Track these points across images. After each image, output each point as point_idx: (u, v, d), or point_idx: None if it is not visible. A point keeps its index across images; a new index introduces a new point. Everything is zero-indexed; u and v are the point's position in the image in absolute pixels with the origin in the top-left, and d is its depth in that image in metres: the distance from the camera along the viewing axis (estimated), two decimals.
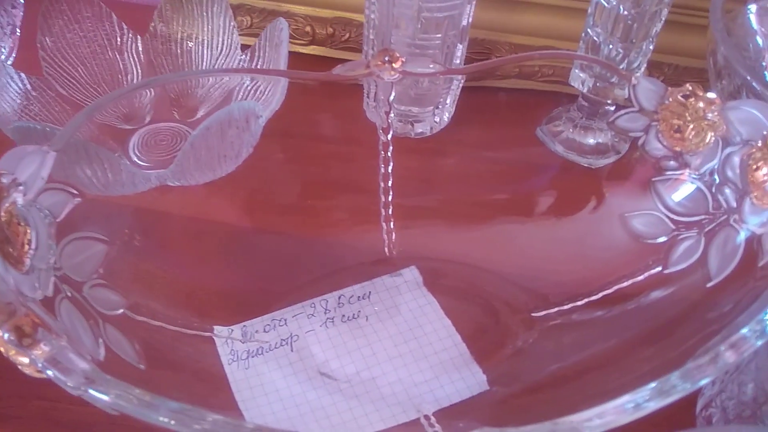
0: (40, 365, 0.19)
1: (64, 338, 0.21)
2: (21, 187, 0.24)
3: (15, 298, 0.21)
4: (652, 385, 0.19)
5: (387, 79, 0.31)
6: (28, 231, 0.24)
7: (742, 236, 0.28)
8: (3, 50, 0.41)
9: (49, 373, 0.19)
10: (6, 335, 0.19)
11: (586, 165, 0.40)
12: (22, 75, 0.38)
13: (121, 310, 0.27)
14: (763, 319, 0.21)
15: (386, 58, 0.31)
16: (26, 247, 0.23)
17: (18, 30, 0.42)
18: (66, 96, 0.40)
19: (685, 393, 0.19)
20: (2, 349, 0.20)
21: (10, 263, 0.22)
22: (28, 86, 0.38)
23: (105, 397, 0.19)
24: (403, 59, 0.31)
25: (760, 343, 0.20)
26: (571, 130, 0.41)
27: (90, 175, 0.30)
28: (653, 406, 0.19)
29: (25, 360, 0.20)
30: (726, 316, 0.25)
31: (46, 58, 0.40)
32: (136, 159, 0.39)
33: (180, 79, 0.40)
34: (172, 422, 0.18)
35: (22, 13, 0.42)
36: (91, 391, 0.19)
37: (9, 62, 0.41)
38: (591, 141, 0.40)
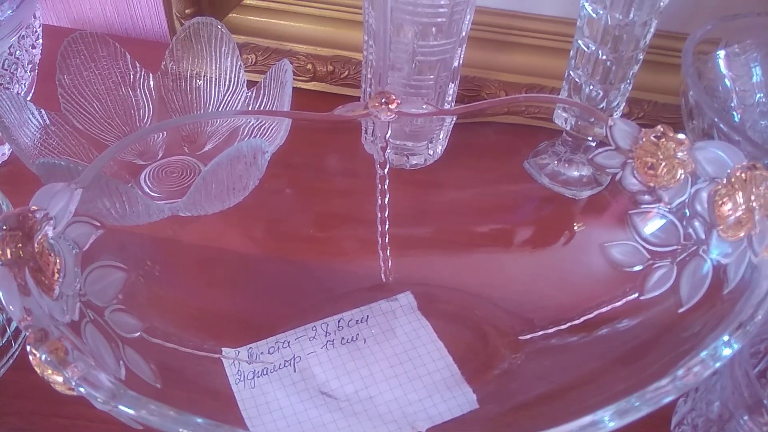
0: (73, 383, 0.21)
1: (91, 359, 0.23)
2: (51, 221, 0.26)
3: (48, 322, 0.23)
4: (612, 408, 0.21)
5: (384, 119, 0.34)
6: (58, 261, 0.26)
7: (710, 265, 0.30)
8: (23, 87, 0.43)
9: (82, 390, 0.21)
10: (44, 356, 0.21)
11: (570, 196, 0.42)
12: (42, 110, 0.41)
13: (138, 333, 0.29)
14: (718, 344, 0.23)
15: (383, 100, 0.34)
16: (56, 275, 0.26)
17: (37, 67, 0.44)
18: (82, 130, 0.42)
19: (647, 412, 0.21)
20: (39, 370, 0.22)
21: (43, 290, 0.24)
22: (47, 121, 0.41)
23: (131, 412, 0.21)
24: (399, 101, 0.34)
25: (717, 365, 0.23)
26: (556, 163, 0.43)
27: (108, 207, 0.32)
28: (615, 425, 0.21)
29: (60, 379, 0.22)
30: (695, 338, 0.27)
31: (64, 94, 0.42)
32: (147, 190, 0.41)
33: (194, 121, 0.43)
34: None
35: (40, 52, 0.45)
36: (120, 407, 0.21)
37: (28, 98, 0.44)
38: (575, 173, 0.43)
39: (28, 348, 0.22)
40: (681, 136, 0.31)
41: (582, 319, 0.34)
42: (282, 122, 0.38)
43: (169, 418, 0.20)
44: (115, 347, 0.27)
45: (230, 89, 0.44)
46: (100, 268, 0.29)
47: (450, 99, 0.43)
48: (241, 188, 0.35)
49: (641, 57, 0.39)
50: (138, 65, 0.44)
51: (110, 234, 0.29)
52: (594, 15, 0.37)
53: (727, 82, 0.41)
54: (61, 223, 0.26)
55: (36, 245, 0.25)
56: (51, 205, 0.26)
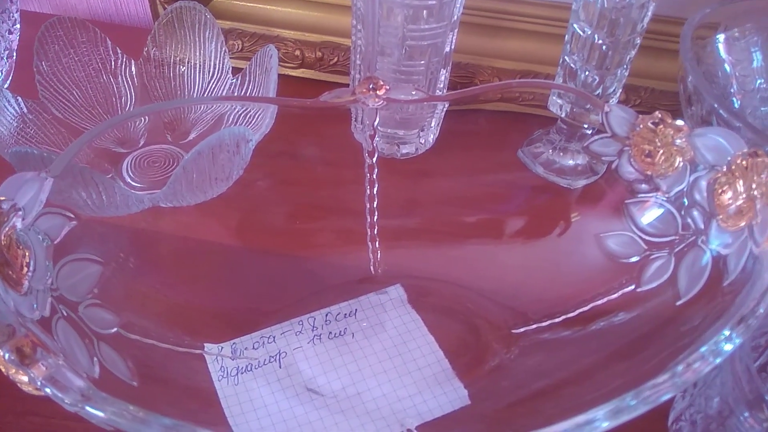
0: (39, 383, 0.20)
1: (61, 357, 0.22)
2: (20, 212, 0.25)
3: (15, 319, 0.22)
4: (607, 407, 0.20)
5: (372, 105, 0.33)
6: (27, 254, 0.25)
7: (709, 256, 0.29)
8: (0, 74, 0.42)
9: (48, 391, 0.20)
10: (7, 355, 0.20)
11: (565, 185, 0.41)
12: (19, 98, 0.39)
13: (115, 329, 0.28)
14: (719, 339, 0.22)
15: (371, 86, 0.32)
16: (25, 269, 0.24)
17: (14, 54, 0.43)
18: (61, 119, 0.41)
19: (646, 410, 0.20)
20: (3, 369, 0.21)
21: (10, 285, 0.23)
22: (25, 109, 0.40)
23: (100, 414, 0.20)
24: (387, 87, 0.33)
25: (718, 361, 0.22)
26: (550, 151, 0.42)
27: (85, 198, 0.31)
28: (610, 425, 0.20)
29: (25, 378, 0.20)
30: (694, 331, 0.26)
31: (42, 81, 0.41)
32: (129, 180, 0.40)
33: (175, 107, 0.42)
34: None
35: (18, 38, 0.43)
36: (87, 408, 0.20)
37: (5, 86, 0.42)
38: (570, 162, 0.42)
39: None
40: (679, 122, 0.30)
41: (577, 312, 0.33)
42: (267, 109, 0.37)
43: (137, 419, 0.19)
44: (89, 344, 0.26)
45: (215, 76, 0.43)
46: (73, 262, 0.28)
47: (442, 86, 0.42)
48: (224, 178, 0.34)
49: (638, 41, 0.38)
50: (119, 51, 0.43)
51: (85, 225, 0.28)
52: None
53: (727, 68, 0.40)
54: (30, 214, 0.25)
55: (3, 237, 0.24)
56: (19, 195, 0.25)
